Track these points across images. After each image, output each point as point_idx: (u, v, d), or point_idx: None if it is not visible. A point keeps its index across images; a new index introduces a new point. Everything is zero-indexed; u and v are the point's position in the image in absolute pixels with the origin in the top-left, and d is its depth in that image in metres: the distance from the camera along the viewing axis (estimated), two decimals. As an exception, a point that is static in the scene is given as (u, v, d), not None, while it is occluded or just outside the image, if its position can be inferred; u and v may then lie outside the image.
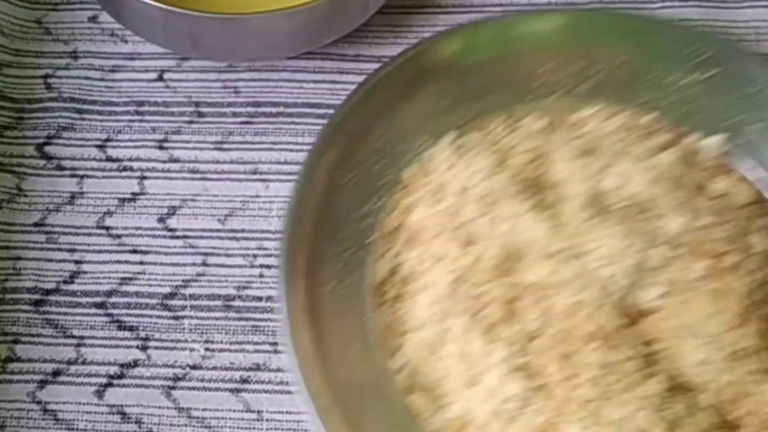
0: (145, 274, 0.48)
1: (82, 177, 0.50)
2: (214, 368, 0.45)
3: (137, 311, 0.47)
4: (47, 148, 0.51)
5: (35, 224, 0.49)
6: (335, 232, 0.42)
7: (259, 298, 0.46)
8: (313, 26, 0.50)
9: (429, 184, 0.43)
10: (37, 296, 0.47)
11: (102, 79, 0.54)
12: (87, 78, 0.54)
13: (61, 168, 0.51)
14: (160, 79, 0.54)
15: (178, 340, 0.46)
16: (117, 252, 0.49)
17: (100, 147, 0.51)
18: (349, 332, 0.40)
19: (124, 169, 0.51)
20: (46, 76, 0.54)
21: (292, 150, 0.50)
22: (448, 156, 0.43)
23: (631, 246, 0.39)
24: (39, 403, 0.45)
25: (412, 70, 0.45)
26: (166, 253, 0.48)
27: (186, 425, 0.44)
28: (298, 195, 0.42)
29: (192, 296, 0.47)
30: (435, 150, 0.44)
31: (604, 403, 0.36)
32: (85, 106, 0.53)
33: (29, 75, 0.54)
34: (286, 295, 0.40)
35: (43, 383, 0.45)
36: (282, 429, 0.43)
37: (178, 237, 0.49)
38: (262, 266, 0.47)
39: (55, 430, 0.44)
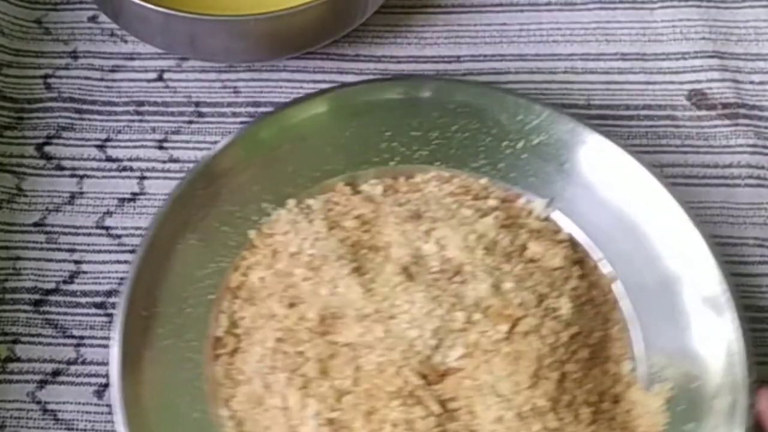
0: (144, 274, 0.48)
1: (81, 177, 0.50)
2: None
3: (137, 311, 0.47)
4: (47, 148, 0.51)
5: (35, 224, 0.49)
6: (179, 290, 0.44)
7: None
8: (312, 27, 0.50)
9: (269, 246, 0.45)
10: (37, 296, 0.47)
11: (102, 79, 0.54)
12: (87, 78, 0.54)
13: (60, 168, 0.51)
14: (160, 79, 0.54)
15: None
16: (117, 252, 0.49)
17: (100, 147, 0.51)
18: (184, 383, 0.42)
19: (124, 169, 0.51)
20: (46, 76, 0.54)
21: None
22: (288, 220, 0.46)
23: (435, 309, 0.41)
24: (39, 403, 0.45)
25: (255, 138, 0.47)
26: (165, 253, 0.48)
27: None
28: (143, 252, 0.43)
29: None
30: (278, 213, 0.46)
31: None
32: (84, 106, 0.53)
33: (29, 75, 0.54)
34: (120, 354, 0.41)
35: (43, 383, 0.45)
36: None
37: (177, 237, 0.49)
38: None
39: (55, 430, 0.44)
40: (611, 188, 0.46)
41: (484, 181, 0.48)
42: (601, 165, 0.46)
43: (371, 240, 0.45)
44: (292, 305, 0.43)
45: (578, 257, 0.46)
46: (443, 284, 0.42)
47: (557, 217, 0.47)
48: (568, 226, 0.47)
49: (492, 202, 0.47)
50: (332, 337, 0.42)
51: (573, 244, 0.46)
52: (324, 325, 0.42)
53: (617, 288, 0.45)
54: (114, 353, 0.41)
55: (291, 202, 0.47)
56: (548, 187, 0.47)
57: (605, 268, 0.46)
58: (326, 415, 0.40)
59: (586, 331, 0.43)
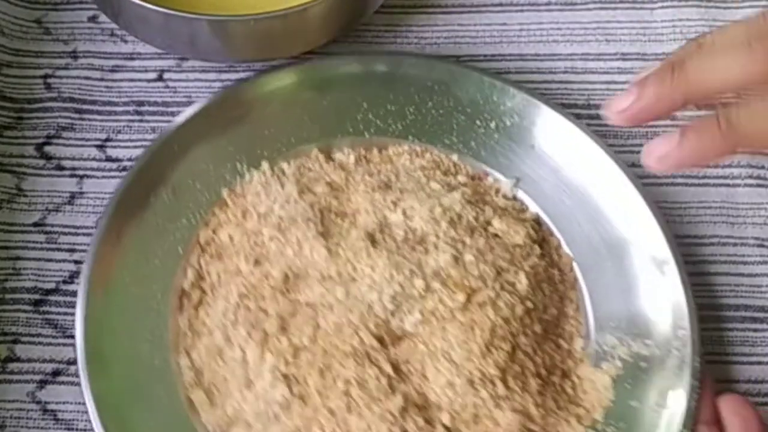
0: (144, 274, 0.48)
1: (81, 177, 0.50)
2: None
3: (137, 311, 0.47)
4: (47, 148, 0.51)
5: (35, 224, 0.49)
6: (149, 241, 0.45)
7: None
8: (312, 26, 0.50)
9: (240, 206, 0.47)
10: (37, 296, 0.47)
11: (102, 79, 0.54)
12: (87, 78, 0.54)
13: (60, 168, 0.51)
14: (160, 79, 0.54)
15: (178, 340, 0.46)
16: (117, 252, 0.49)
17: (100, 147, 0.51)
18: (147, 332, 0.43)
19: (124, 169, 0.51)
20: (45, 76, 0.54)
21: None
22: (260, 182, 0.47)
23: (395, 275, 0.42)
24: (39, 403, 0.45)
25: (233, 101, 0.49)
26: (165, 253, 0.48)
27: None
28: (115, 202, 0.45)
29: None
30: (252, 175, 0.48)
31: (349, 416, 0.40)
32: (84, 106, 0.53)
33: (29, 75, 0.54)
34: (85, 295, 0.43)
35: (43, 383, 0.45)
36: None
37: (177, 237, 0.49)
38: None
39: (54, 430, 0.44)
40: (576, 172, 0.48)
41: (455, 157, 0.49)
42: (569, 149, 0.48)
43: (340, 206, 0.46)
44: (257, 263, 0.44)
45: (541, 236, 0.47)
46: (405, 252, 0.43)
47: (523, 197, 0.48)
48: (533, 206, 0.48)
49: (461, 178, 0.49)
50: (294, 295, 0.43)
51: (537, 223, 0.48)
52: (287, 283, 0.44)
53: (576, 268, 0.47)
54: (80, 300, 0.43)
55: (265, 165, 0.48)
56: (516, 168, 0.49)
57: (567, 248, 0.47)
58: (282, 369, 0.41)
59: (541, 307, 0.44)
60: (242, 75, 0.53)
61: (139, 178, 0.46)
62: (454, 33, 0.56)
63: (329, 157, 0.49)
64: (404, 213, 0.45)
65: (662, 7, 0.56)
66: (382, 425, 0.40)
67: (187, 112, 0.48)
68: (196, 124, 0.48)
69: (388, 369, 0.41)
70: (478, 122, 0.50)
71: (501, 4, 0.57)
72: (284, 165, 0.48)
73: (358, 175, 0.48)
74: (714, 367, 0.47)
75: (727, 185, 0.51)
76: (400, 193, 0.46)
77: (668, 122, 0.52)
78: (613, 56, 0.55)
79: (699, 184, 0.51)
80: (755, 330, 0.47)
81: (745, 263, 0.49)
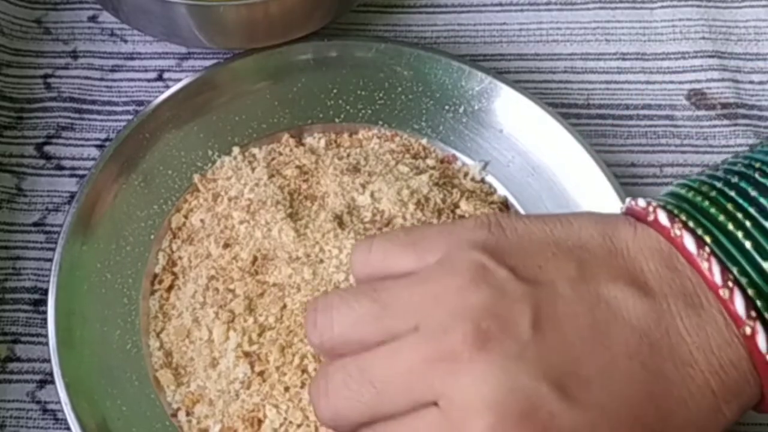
0: (144, 274, 0.48)
1: (81, 177, 0.50)
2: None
3: (137, 311, 0.47)
4: (47, 148, 0.51)
5: (35, 224, 0.49)
6: (120, 228, 0.46)
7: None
8: (308, 11, 0.50)
9: (211, 190, 0.48)
10: (37, 296, 0.47)
11: (102, 79, 0.54)
12: (87, 78, 0.54)
13: (60, 168, 0.51)
14: (160, 78, 0.54)
15: (178, 340, 0.46)
16: (117, 252, 0.49)
17: (100, 147, 0.51)
18: (118, 317, 0.44)
19: (124, 169, 0.51)
20: (45, 76, 0.54)
21: (291, 150, 0.50)
22: (231, 166, 0.48)
23: None
24: (39, 402, 0.45)
25: (204, 88, 0.49)
26: (165, 253, 0.48)
27: (185, 425, 0.44)
28: (85, 188, 0.46)
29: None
30: (223, 160, 0.48)
31: (302, 391, 0.41)
32: (84, 106, 0.53)
33: (29, 75, 0.54)
34: (56, 282, 0.44)
35: (43, 383, 0.45)
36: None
37: (177, 237, 0.49)
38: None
39: (54, 430, 0.44)
40: (544, 155, 0.48)
41: (424, 141, 0.50)
42: (537, 133, 0.49)
43: (309, 189, 0.47)
44: (227, 246, 0.45)
45: None
46: (372, 233, 0.44)
47: (492, 180, 0.49)
48: (501, 189, 0.49)
49: (430, 162, 0.49)
50: (262, 276, 0.44)
51: (505, 206, 0.48)
52: (255, 265, 0.44)
53: None
54: (51, 286, 0.44)
55: (236, 150, 0.49)
56: (485, 151, 0.49)
57: None
58: (245, 348, 0.42)
59: None
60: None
61: (109, 165, 0.47)
62: (454, 32, 0.56)
63: (300, 142, 0.50)
64: (372, 195, 0.46)
65: (662, 7, 0.56)
66: None
67: (158, 99, 0.49)
68: (166, 111, 0.48)
69: None
70: (446, 107, 0.50)
71: (501, 4, 0.57)
72: (255, 150, 0.49)
73: (327, 158, 0.48)
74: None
75: (727, 185, 0.51)
76: (368, 176, 0.47)
77: (668, 122, 0.52)
78: (613, 56, 0.55)
79: (698, 184, 0.51)
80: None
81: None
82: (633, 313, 0.32)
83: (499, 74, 0.51)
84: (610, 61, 0.55)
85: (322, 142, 0.50)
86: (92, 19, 0.56)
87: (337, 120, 0.50)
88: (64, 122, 0.52)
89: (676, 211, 0.33)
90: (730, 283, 0.31)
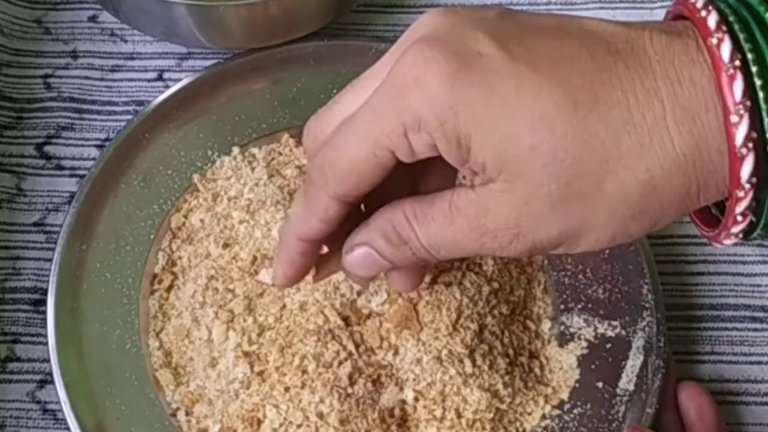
0: (144, 274, 0.48)
1: (81, 177, 0.50)
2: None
3: (137, 311, 0.47)
4: (47, 148, 0.51)
5: (35, 224, 0.49)
6: (120, 228, 0.46)
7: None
8: (310, 11, 0.50)
9: (211, 190, 0.48)
10: (36, 296, 0.47)
11: (102, 79, 0.54)
12: (87, 78, 0.54)
13: (60, 168, 0.51)
14: (160, 78, 0.54)
15: (178, 340, 0.46)
16: (117, 252, 0.49)
17: (100, 147, 0.51)
18: (117, 316, 0.44)
19: (124, 169, 0.51)
20: (45, 76, 0.54)
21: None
22: (231, 166, 0.48)
23: None
24: (39, 402, 0.45)
25: (204, 88, 0.50)
26: (165, 253, 0.48)
27: (185, 425, 0.44)
28: (85, 189, 0.46)
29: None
30: (222, 160, 0.48)
31: (302, 391, 0.40)
32: (84, 106, 0.53)
33: (29, 75, 0.54)
34: (57, 282, 0.44)
35: (43, 383, 0.45)
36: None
37: (177, 237, 0.49)
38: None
39: (54, 430, 0.44)
40: None
41: None
42: None
43: None
44: (226, 245, 0.45)
45: None
46: None
47: None
48: None
49: None
50: (262, 275, 0.44)
51: None
52: (255, 265, 0.44)
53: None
54: (51, 286, 0.44)
55: (236, 150, 0.49)
56: None
57: None
58: (245, 348, 0.42)
59: (507, 288, 0.45)
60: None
61: (109, 165, 0.47)
62: (454, 33, 0.56)
63: (300, 142, 0.49)
64: None
65: (662, 7, 0.56)
66: (333, 395, 0.40)
67: (158, 99, 0.49)
68: (166, 111, 0.49)
69: (350, 346, 0.41)
70: None
71: (501, 5, 0.57)
72: (255, 150, 0.49)
73: None
74: (714, 366, 0.47)
75: (727, 185, 0.51)
76: None
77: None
78: (613, 56, 0.55)
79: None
80: (755, 329, 0.47)
81: (744, 263, 0.49)
82: (602, 28, 0.31)
83: None
84: (610, 61, 0.55)
85: None
86: (92, 19, 0.56)
87: None
88: (64, 122, 0.52)
89: None
90: (710, 7, 0.30)
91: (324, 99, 0.49)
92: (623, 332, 0.44)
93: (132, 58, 0.54)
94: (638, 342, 0.44)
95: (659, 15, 0.56)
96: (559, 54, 0.30)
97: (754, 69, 0.29)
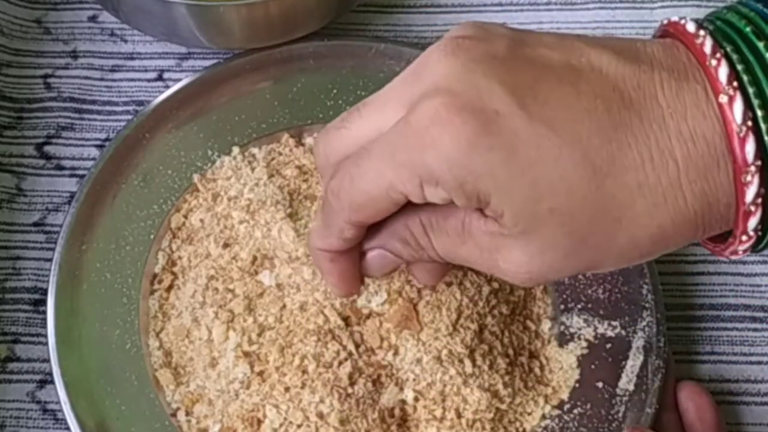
0: (144, 274, 0.48)
1: (81, 177, 0.50)
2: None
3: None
4: (47, 148, 0.51)
5: (35, 224, 0.49)
6: (120, 228, 0.46)
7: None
8: (308, 11, 0.50)
9: (211, 190, 0.48)
10: (36, 296, 0.47)
11: (102, 79, 0.54)
12: (87, 78, 0.54)
13: (60, 168, 0.51)
14: (160, 78, 0.54)
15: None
16: (117, 252, 0.49)
17: (100, 147, 0.51)
18: (117, 316, 0.44)
19: (124, 169, 0.51)
20: (45, 76, 0.54)
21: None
22: (231, 166, 0.48)
23: None
24: (39, 402, 0.45)
25: (204, 88, 0.50)
26: (165, 253, 0.48)
27: (185, 425, 0.44)
28: (85, 189, 0.46)
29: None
30: (222, 160, 0.48)
31: (302, 391, 0.40)
32: (84, 106, 0.53)
33: (29, 75, 0.54)
34: (57, 282, 0.44)
35: (43, 383, 0.45)
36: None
37: (177, 237, 0.49)
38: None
39: (54, 430, 0.44)
40: None
41: None
42: None
43: (309, 189, 0.47)
44: (226, 245, 0.45)
45: None
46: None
47: None
48: None
49: None
50: (261, 277, 0.44)
51: None
52: (255, 265, 0.44)
53: None
54: (51, 286, 0.44)
55: (235, 150, 0.49)
56: None
57: None
58: (245, 348, 0.42)
59: (507, 288, 0.45)
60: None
61: (109, 165, 0.47)
62: (454, 33, 0.56)
63: (299, 142, 0.50)
64: None
65: (662, 7, 0.56)
66: (333, 395, 0.40)
67: (158, 99, 0.49)
68: (166, 111, 0.49)
69: (350, 346, 0.41)
70: None
71: (501, 4, 0.57)
72: (255, 150, 0.49)
73: None
74: (713, 366, 0.47)
75: (727, 185, 0.51)
76: None
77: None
78: (613, 56, 0.55)
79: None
80: (755, 330, 0.47)
81: (744, 263, 0.49)
82: (613, 71, 0.30)
83: None
84: (610, 61, 0.55)
85: None
86: (92, 19, 0.56)
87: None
88: (64, 122, 0.52)
89: (699, 20, 0.32)
90: (719, 55, 0.30)
91: (324, 99, 0.50)
92: (623, 332, 0.44)
93: (132, 58, 0.54)
94: (638, 342, 0.44)
95: (659, 15, 0.56)
96: (575, 109, 0.30)
97: (764, 127, 0.29)
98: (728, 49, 0.30)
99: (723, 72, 0.29)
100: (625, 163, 0.30)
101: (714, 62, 0.30)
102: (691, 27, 0.31)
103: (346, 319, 0.42)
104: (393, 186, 0.32)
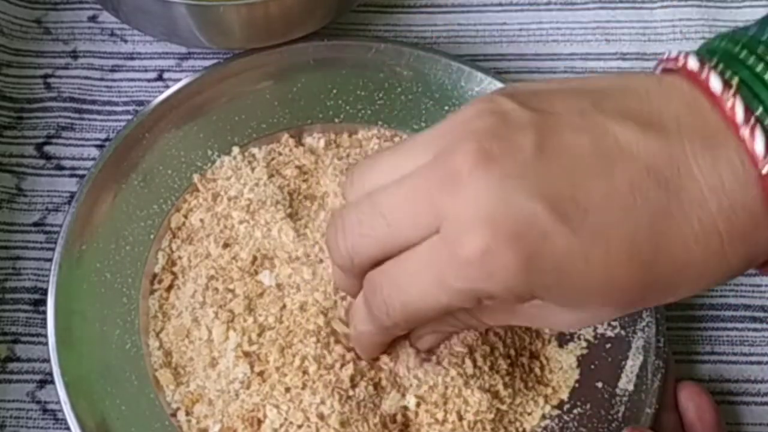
0: (144, 274, 0.48)
1: (81, 177, 0.50)
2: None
3: (137, 311, 0.47)
4: (47, 148, 0.51)
5: (35, 224, 0.49)
6: (119, 228, 0.46)
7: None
8: (308, 10, 0.50)
9: (211, 190, 0.48)
10: (36, 296, 0.47)
11: (102, 79, 0.54)
12: (87, 78, 0.54)
13: (60, 168, 0.51)
14: (160, 78, 0.54)
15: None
16: (117, 252, 0.49)
17: (100, 147, 0.51)
18: (117, 316, 0.44)
19: (124, 169, 0.51)
20: (45, 76, 0.54)
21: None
22: (231, 166, 0.48)
23: None
24: (39, 402, 0.45)
25: (204, 88, 0.50)
26: (165, 253, 0.48)
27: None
28: (84, 189, 0.46)
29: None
30: (222, 160, 0.48)
31: (303, 392, 0.40)
32: (84, 106, 0.53)
33: (29, 75, 0.54)
34: (56, 282, 0.44)
35: (43, 383, 0.45)
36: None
37: (177, 237, 0.49)
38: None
39: (54, 430, 0.44)
40: None
41: None
42: None
43: (309, 189, 0.48)
44: (226, 245, 0.45)
45: None
46: None
47: None
48: None
49: None
50: (261, 276, 0.44)
51: None
52: (255, 265, 0.45)
53: None
54: (51, 286, 0.44)
55: (235, 150, 0.49)
56: None
57: None
58: (245, 348, 0.42)
59: None
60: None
61: (109, 165, 0.47)
62: (454, 32, 0.56)
63: (299, 142, 0.50)
64: None
65: (662, 7, 0.56)
66: (334, 396, 0.40)
67: (158, 99, 0.49)
68: (166, 111, 0.49)
69: (350, 347, 0.41)
70: (446, 107, 0.50)
71: (501, 4, 0.57)
72: (255, 150, 0.49)
73: (327, 158, 0.48)
74: (713, 366, 0.47)
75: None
76: None
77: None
78: (613, 56, 0.55)
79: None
80: (755, 330, 0.47)
81: (744, 263, 0.49)
82: (642, 149, 0.30)
83: (499, 74, 0.51)
84: (611, 61, 0.55)
85: (322, 142, 0.50)
86: (92, 19, 0.56)
87: (336, 120, 0.50)
88: (64, 122, 0.52)
89: (707, 56, 0.31)
90: (753, 121, 0.29)
91: (324, 99, 0.50)
92: (623, 332, 0.44)
93: (132, 58, 0.54)
94: (638, 342, 0.44)
95: (659, 15, 0.56)
96: (615, 209, 0.30)
97: None
98: (759, 111, 0.29)
99: (760, 145, 0.29)
100: (671, 250, 0.30)
101: (747, 132, 0.29)
102: (715, 84, 0.30)
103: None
104: (450, 306, 0.33)
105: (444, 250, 0.31)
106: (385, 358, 0.41)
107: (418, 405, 0.41)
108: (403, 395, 0.41)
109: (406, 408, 0.41)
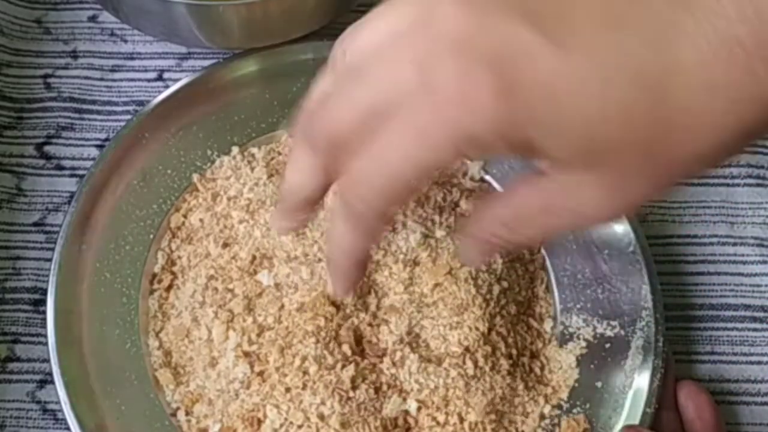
0: (144, 274, 0.48)
1: (81, 177, 0.50)
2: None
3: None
4: (47, 148, 0.51)
5: (35, 224, 0.49)
6: (119, 228, 0.46)
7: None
8: (312, 8, 0.50)
9: (210, 190, 0.48)
10: (37, 296, 0.47)
11: (102, 79, 0.54)
12: (87, 78, 0.54)
13: (60, 168, 0.51)
14: (160, 78, 0.54)
15: (178, 340, 0.46)
16: (116, 252, 0.49)
17: (100, 147, 0.51)
18: (117, 316, 0.44)
19: (124, 168, 0.51)
20: (45, 76, 0.54)
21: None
22: (230, 166, 0.48)
23: None
24: (39, 402, 0.45)
25: (204, 88, 0.50)
26: (165, 253, 0.48)
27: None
28: (84, 189, 0.46)
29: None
30: (222, 160, 0.48)
31: (303, 392, 0.40)
32: (84, 106, 0.53)
33: (29, 75, 0.54)
34: (56, 281, 0.44)
35: (43, 383, 0.45)
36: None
37: (177, 237, 0.49)
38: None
39: (54, 430, 0.44)
40: None
41: None
42: None
43: None
44: (226, 245, 0.46)
45: None
46: None
47: (491, 179, 0.49)
48: (500, 188, 0.49)
49: None
50: (260, 276, 0.44)
51: None
52: (254, 264, 0.45)
53: (544, 249, 0.47)
54: (51, 286, 0.44)
55: (235, 150, 0.49)
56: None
57: None
58: (245, 348, 0.42)
59: (516, 288, 0.45)
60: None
61: (109, 165, 0.47)
62: (454, 33, 0.56)
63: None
64: None
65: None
66: (334, 397, 0.40)
67: (157, 99, 0.49)
68: (166, 111, 0.49)
69: (352, 347, 0.41)
70: None
71: None
72: (254, 150, 0.49)
73: None
74: (713, 366, 0.47)
75: (727, 185, 0.51)
76: None
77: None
78: None
79: (698, 184, 0.51)
80: (755, 329, 0.47)
81: (744, 263, 0.49)
82: None
83: None
84: None
85: None
86: (92, 19, 0.56)
87: None
88: (64, 122, 0.52)
89: None
90: None
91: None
92: (622, 332, 0.44)
93: (132, 58, 0.54)
94: (637, 342, 0.44)
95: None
96: (613, 23, 0.27)
97: None
98: None
99: None
100: (683, 67, 0.26)
101: None
102: None
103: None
104: (436, 163, 0.29)
105: (423, 100, 0.28)
106: (386, 362, 0.42)
107: (419, 409, 0.41)
108: (405, 399, 0.41)
109: (407, 412, 0.41)
